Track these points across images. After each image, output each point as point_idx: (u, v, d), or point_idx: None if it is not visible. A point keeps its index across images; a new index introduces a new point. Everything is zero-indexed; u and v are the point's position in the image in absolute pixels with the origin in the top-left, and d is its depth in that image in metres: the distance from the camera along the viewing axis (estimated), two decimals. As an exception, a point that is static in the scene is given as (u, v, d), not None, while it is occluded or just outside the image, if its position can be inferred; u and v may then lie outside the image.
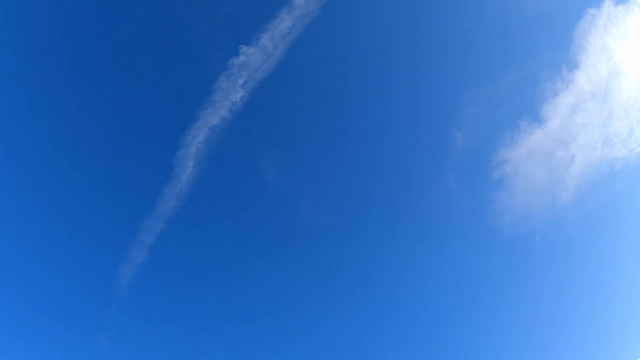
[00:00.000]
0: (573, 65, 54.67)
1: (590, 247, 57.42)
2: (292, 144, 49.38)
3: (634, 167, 56.85)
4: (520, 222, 56.82)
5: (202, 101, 46.93)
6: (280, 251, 49.86)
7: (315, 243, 50.61)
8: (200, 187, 46.51)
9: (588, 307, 57.02)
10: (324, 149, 49.68)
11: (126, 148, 47.11)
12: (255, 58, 49.14)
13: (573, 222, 56.21)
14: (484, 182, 55.18)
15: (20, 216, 46.68)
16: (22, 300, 47.43)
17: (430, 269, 53.80)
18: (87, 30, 45.50)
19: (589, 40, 54.79)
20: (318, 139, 49.93)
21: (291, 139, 49.40)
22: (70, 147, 46.51)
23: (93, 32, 45.24)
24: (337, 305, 52.47)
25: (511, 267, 57.47)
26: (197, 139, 46.32)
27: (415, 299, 53.23)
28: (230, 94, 47.68)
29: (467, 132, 54.54)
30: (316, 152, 49.88)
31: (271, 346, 50.15)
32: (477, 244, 55.20)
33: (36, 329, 48.69)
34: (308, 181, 50.10)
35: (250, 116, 47.53)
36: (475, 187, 54.74)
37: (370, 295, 52.41)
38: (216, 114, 47.06)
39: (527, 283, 58.00)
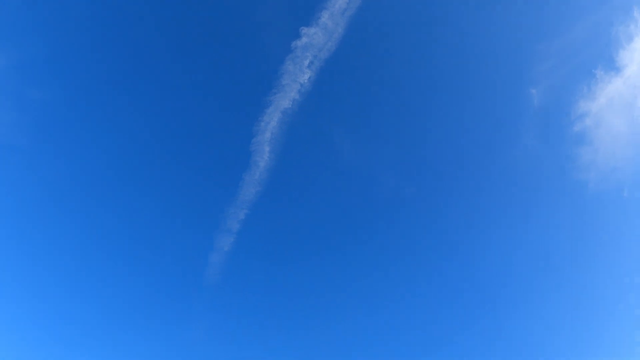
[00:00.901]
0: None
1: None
2: (365, 118, 49.07)
3: None
4: (607, 177, 53.73)
5: (271, 86, 47.41)
6: (363, 226, 49.86)
7: (398, 215, 50.22)
8: (279, 170, 47.23)
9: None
10: (398, 119, 49.01)
11: (205, 141, 48.71)
12: (317, 37, 48.92)
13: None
14: (565, 138, 52.52)
15: (115, 212, 49.42)
16: (122, 292, 50.30)
17: (519, 233, 52.07)
18: (160, 29, 47.11)
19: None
20: (391, 110, 49.30)
21: (364, 114, 49.10)
22: (156, 145, 48.63)
23: (166, 31, 46.79)
24: (425, 275, 51.95)
25: (600, 224, 54.54)
26: (270, 124, 46.91)
27: (507, 262, 51.74)
28: (297, 76, 47.80)
29: (542, 88, 52.03)
30: (391, 123, 49.32)
31: (361, 322, 50.46)
32: (564, 203, 52.74)
33: (135, 318, 51.38)
34: (385, 154, 49.73)
35: (319, 96, 47.61)
36: (556, 144, 52.23)
37: (458, 260, 51.50)
38: (286, 97, 47.36)
39: (618, 239, 54.87)
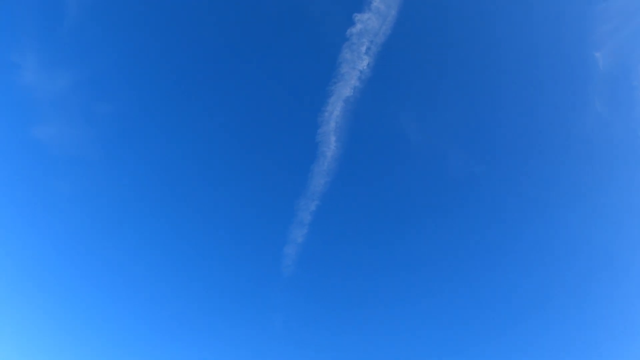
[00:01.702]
0: None
1: None
2: (429, 98, 48.50)
3: None
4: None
5: (331, 76, 47.46)
6: (436, 208, 49.51)
7: (468, 193, 49.61)
8: (346, 159, 47.42)
9: None
10: (463, 96, 48.17)
11: (272, 135, 49.46)
12: (372, 22, 48.56)
13: None
14: (635, 102, 50.29)
15: (190, 210, 51.04)
16: (200, 287, 52.04)
17: (586, 201, 50.40)
18: (221, 29, 47.97)
19: None
20: (454, 88, 48.52)
21: (427, 94, 48.54)
22: (226, 143, 49.87)
23: (227, 31, 47.59)
24: (495, 256, 51.26)
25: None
26: (334, 114, 47.07)
27: (571, 232, 50.38)
28: (356, 63, 47.69)
29: (607, 50, 49.92)
30: (456, 102, 48.56)
31: (441, 309, 50.38)
32: (637, 169, 50.63)
33: (212, 313, 53.00)
34: (452, 132, 49.05)
35: (380, 81, 47.40)
36: (626, 108, 50.08)
37: (530, 240, 50.48)
38: (347, 85, 47.34)
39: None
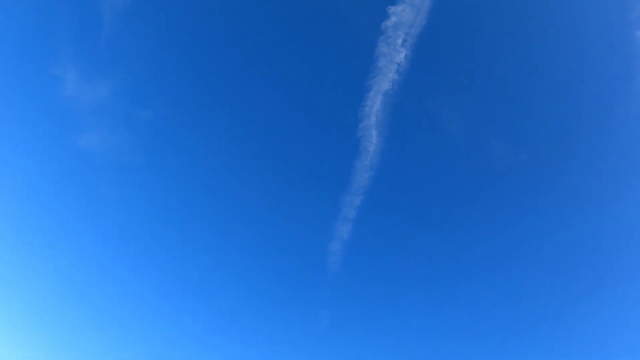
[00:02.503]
0: None
1: None
2: (468, 88, 48.00)
3: None
4: None
5: (369, 70, 47.34)
6: (480, 199, 49.00)
7: (511, 182, 48.89)
8: (389, 153, 47.27)
9: None
10: (503, 83, 47.45)
11: (314, 132, 49.62)
12: (407, 14, 48.24)
13: None
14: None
15: (239, 208, 51.67)
16: (248, 284, 52.60)
17: (629, 198, 49.14)
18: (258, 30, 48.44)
19: None
20: (493, 75, 47.85)
21: (466, 84, 48.02)
22: (270, 142, 50.35)
23: (264, 31, 48.02)
24: (539, 246, 50.45)
25: None
26: (374, 108, 46.93)
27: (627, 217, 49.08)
28: (393, 56, 47.45)
29: (650, 28, 48.54)
30: (495, 89, 47.91)
31: (488, 301, 49.87)
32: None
33: (259, 310, 53.43)
34: (494, 121, 48.43)
35: (418, 72, 47.09)
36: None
37: (578, 229, 49.50)
38: (385, 79, 47.15)
39: None
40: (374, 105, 47.01)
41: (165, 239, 53.89)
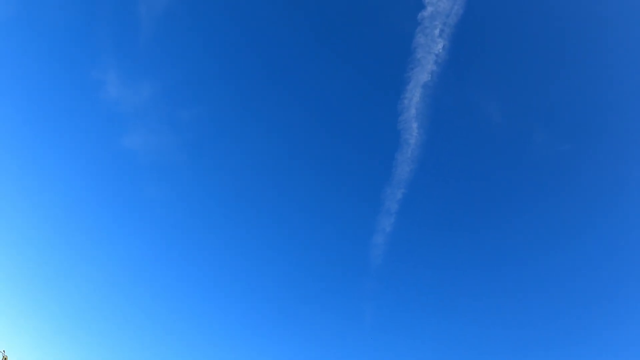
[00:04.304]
0: None
1: None
2: (508, 77, 47.41)
3: None
4: None
5: (407, 62, 47.15)
6: (523, 188, 48.47)
7: (553, 171, 48.23)
8: (429, 145, 47.10)
9: None
10: (542, 71, 46.71)
11: (355, 126, 49.88)
12: (443, 4, 47.69)
13: None
14: None
15: (283, 204, 52.41)
16: (293, 278, 53.28)
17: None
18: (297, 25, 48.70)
19: None
20: (533, 63, 47.14)
21: (506, 73, 47.45)
22: (312, 138, 50.76)
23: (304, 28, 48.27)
24: (583, 234, 49.65)
25: None
26: (414, 100, 46.75)
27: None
28: (431, 48, 47.10)
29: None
30: (535, 78, 47.19)
31: (531, 295, 49.40)
32: None
33: (304, 303, 53.94)
34: (534, 111, 47.77)
35: (457, 63, 46.77)
36: None
37: (622, 217, 48.46)
38: (424, 70, 46.87)
39: None
40: (414, 98, 46.87)
41: (209, 237, 54.96)
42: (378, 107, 49.18)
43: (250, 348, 52.99)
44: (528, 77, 47.84)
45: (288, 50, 49.67)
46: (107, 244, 54.55)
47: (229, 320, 54.54)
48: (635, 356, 47.65)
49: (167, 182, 53.84)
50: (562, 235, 50.56)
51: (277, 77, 50.41)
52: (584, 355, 48.17)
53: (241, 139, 52.04)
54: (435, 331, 51.05)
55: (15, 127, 52.70)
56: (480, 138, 48.55)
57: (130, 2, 51.18)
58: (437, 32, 47.44)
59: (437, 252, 50.44)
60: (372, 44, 49.02)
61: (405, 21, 47.89)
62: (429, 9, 47.75)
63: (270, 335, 53.97)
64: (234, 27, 50.19)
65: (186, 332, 55.63)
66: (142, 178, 53.40)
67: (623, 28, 48.17)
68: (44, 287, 52.42)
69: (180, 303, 56.08)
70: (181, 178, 53.66)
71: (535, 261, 49.60)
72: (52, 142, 52.96)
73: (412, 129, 46.96)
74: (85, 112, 52.65)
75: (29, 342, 48.93)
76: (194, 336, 55.52)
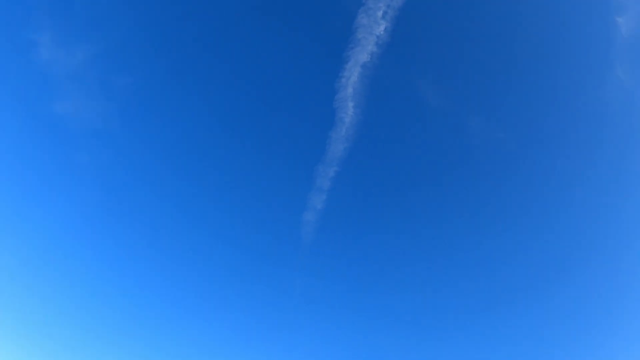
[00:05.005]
0: None
1: None
2: (446, 63, 47.92)
3: None
4: None
5: (348, 41, 46.96)
6: (455, 174, 49.15)
7: (487, 159, 49.17)
8: (364, 125, 47.01)
9: None
10: (480, 60, 47.50)
11: (290, 102, 49.13)
12: (388, -13, 48.01)
13: None
14: (658, 69, 49.22)
15: (214, 177, 51.18)
16: (219, 253, 52.20)
17: (609, 170, 49.74)
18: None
19: None
20: (471, 51, 47.86)
21: (445, 59, 47.90)
22: (244, 111, 49.81)
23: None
24: (511, 220, 50.89)
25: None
26: (351, 79, 46.61)
27: (596, 201, 49.78)
28: (373, 29, 47.09)
29: (630, 15, 48.93)
30: (473, 66, 47.92)
31: (456, 265, 50.29)
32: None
33: (232, 278, 52.91)
34: (471, 98, 48.45)
35: (397, 45, 46.79)
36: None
37: (551, 206, 49.97)
38: (364, 51, 46.82)
39: None
40: (352, 77, 46.75)
41: (140, 207, 53.23)
42: (315, 85, 48.91)
43: (183, 322, 51.78)
44: (466, 64, 48.65)
45: (227, 19, 48.70)
46: (30, 211, 52.10)
47: (164, 299, 52.83)
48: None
49: (98, 150, 51.91)
50: (491, 223, 51.60)
51: (212, 47, 49.41)
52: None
53: (175, 109, 50.66)
54: (363, 305, 51.34)
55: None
56: (415, 121, 49.09)
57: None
58: (380, 13, 47.56)
59: (367, 229, 50.68)
60: (313, 21, 48.69)
61: (350, 1, 47.79)
62: (375, -10, 47.90)
63: (202, 309, 52.90)
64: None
65: (117, 305, 53.58)
66: (73, 145, 51.28)
67: (560, 22, 49.66)
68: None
69: (103, 274, 53.96)
70: (113, 146, 51.86)
71: (466, 242, 50.60)
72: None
73: (348, 108, 46.94)
74: (15, 74, 50.13)
75: None
76: (128, 313, 53.48)
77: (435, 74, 48.34)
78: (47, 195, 53.59)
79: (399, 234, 49.97)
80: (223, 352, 50.92)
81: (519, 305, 49.42)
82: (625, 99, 49.12)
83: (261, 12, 48.20)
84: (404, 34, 46.99)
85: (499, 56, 48.37)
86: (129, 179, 53.37)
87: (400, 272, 50.36)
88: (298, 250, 49.21)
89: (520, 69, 48.35)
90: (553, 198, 49.62)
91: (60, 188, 53.80)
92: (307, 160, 48.25)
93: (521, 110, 48.56)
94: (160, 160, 51.70)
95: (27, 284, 51.08)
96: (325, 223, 48.83)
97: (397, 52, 47.02)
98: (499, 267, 50.19)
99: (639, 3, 49.27)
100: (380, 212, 50.06)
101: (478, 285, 49.70)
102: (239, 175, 50.90)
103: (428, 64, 48.43)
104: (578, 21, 48.77)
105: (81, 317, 50.97)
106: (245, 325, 52.04)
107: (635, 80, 49.28)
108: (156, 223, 51.91)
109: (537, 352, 47.82)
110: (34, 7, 50.56)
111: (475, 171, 49.17)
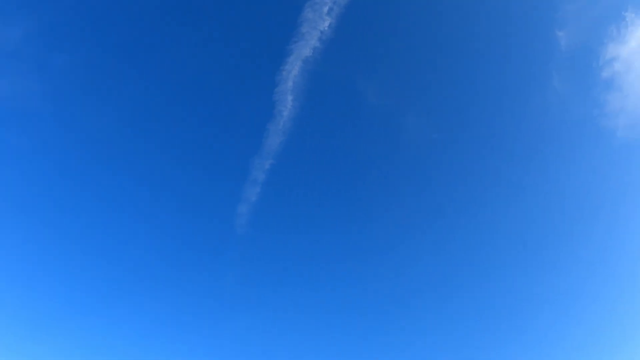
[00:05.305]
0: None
1: None
2: (387, 63, 48.43)
3: None
4: (635, 123, 52.29)
5: (291, 35, 46.94)
6: (389, 171, 50.11)
7: (422, 158, 50.31)
8: (302, 119, 47.29)
9: None
10: (421, 62, 48.24)
11: (228, 92, 48.87)
12: (336, -17, 48.00)
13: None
14: (593, 83, 50.95)
15: (148, 165, 50.52)
16: (153, 245, 51.82)
17: (543, 178, 51.53)
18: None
19: None
20: (413, 53, 48.50)
21: (386, 58, 48.39)
22: (180, 99, 49.15)
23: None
24: (445, 218, 52.24)
25: (628, 173, 53.41)
26: (292, 73, 46.68)
27: (527, 207, 51.57)
28: (317, 24, 47.16)
29: (570, 30, 50.33)
30: (414, 67, 48.62)
31: (388, 262, 51.32)
32: (590, 149, 51.75)
33: (165, 270, 52.70)
34: (410, 98, 49.26)
35: (340, 42, 47.08)
36: (584, 88, 50.79)
37: (480, 207, 51.43)
38: (307, 45, 46.89)
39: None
40: (292, 71, 46.82)
41: (69, 191, 52.16)
42: (256, 76, 48.81)
43: (114, 317, 51.14)
44: (406, 65, 49.39)
45: (169, 4, 47.89)
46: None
47: (90, 296, 51.94)
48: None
49: (32, 131, 50.32)
50: (423, 213, 52.72)
51: (152, 32, 48.55)
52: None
53: (115, 92, 49.55)
54: (293, 298, 51.99)
55: None
56: (352, 117, 49.80)
57: None
58: (326, 9, 47.63)
59: (301, 222, 51.31)
60: (258, 13, 48.40)
61: (297, -6, 47.56)
62: (322, -15, 47.85)
63: (130, 300, 52.44)
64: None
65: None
66: (5, 125, 49.61)
67: (503, 32, 50.72)
68: None
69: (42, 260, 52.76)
70: (46, 128, 50.36)
71: (389, 242, 51.70)
72: None
73: (287, 102, 47.01)
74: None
75: None
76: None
77: (374, 72, 49.12)
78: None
79: (330, 228, 50.81)
80: (152, 348, 50.50)
81: (438, 303, 51.04)
82: (560, 108, 50.96)
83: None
84: (347, 31, 47.34)
85: (439, 60, 49.38)
86: (58, 165, 52.02)
87: (331, 265, 51.24)
88: (231, 242, 49.35)
89: (459, 74, 49.58)
90: (480, 199, 51.23)
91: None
92: (243, 152, 48.31)
93: (458, 113, 49.84)
94: (92, 147, 50.61)
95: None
96: (259, 216, 49.08)
97: (340, 48, 47.37)
98: (423, 265, 51.56)
99: (579, 18, 50.87)
100: (314, 206, 50.76)
101: (401, 282, 51.01)
102: (173, 166, 50.54)
103: (368, 62, 49.08)
104: (520, 32, 50.01)
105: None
106: (177, 319, 52.03)
107: (570, 90, 51.23)
108: (84, 214, 51.05)
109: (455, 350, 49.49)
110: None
111: (407, 170, 50.48)
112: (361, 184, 50.45)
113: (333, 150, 49.57)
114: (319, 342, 51.63)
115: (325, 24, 47.24)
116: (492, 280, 51.15)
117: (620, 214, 53.55)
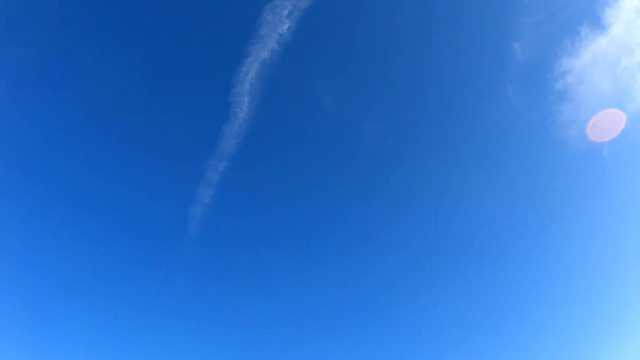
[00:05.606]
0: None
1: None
2: (346, 68, 48.73)
3: None
4: (587, 135, 54.15)
5: (250, 37, 46.58)
6: (345, 176, 50.55)
7: (378, 164, 50.94)
8: (258, 122, 47.09)
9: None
10: (380, 68, 48.71)
11: (183, 92, 48.17)
12: (297, -14, 47.85)
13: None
14: (547, 94, 52.48)
15: (98, 166, 49.27)
16: (102, 246, 50.67)
17: (495, 186, 52.90)
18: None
19: None
20: (373, 59, 48.89)
21: (345, 63, 48.74)
22: (134, 97, 48.02)
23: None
24: (398, 224, 52.98)
25: (579, 182, 55.34)
26: (249, 75, 46.35)
27: (479, 214, 52.80)
28: (276, 26, 46.92)
29: (526, 42, 51.58)
30: (372, 73, 49.10)
31: (341, 265, 51.86)
32: (542, 158, 53.38)
33: (116, 271, 51.74)
34: (366, 103, 49.74)
35: (299, 46, 47.08)
36: (537, 99, 52.29)
37: (433, 215, 52.38)
38: (265, 48, 46.63)
39: (595, 198, 55.79)
40: (250, 72, 46.49)
41: (24, 190, 50.47)
42: (212, 77, 48.34)
43: (59, 316, 49.75)
44: (364, 71, 49.86)
45: (120, 5, 46.80)
46: None
47: (38, 294, 50.43)
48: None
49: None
50: (379, 220, 53.39)
51: (111, 27, 47.34)
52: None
53: (68, 88, 48.09)
54: (245, 300, 51.88)
55: None
56: (309, 121, 50.08)
57: None
58: (286, 12, 47.44)
59: (254, 225, 51.21)
60: (216, 13, 47.86)
61: (257, -4, 47.21)
62: (283, -12, 47.60)
63: (79, 302, 51.20)
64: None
65: None
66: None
67: (461, 42, 51.61)
68: None
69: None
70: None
71: (346, 246, 52.20)
72: None
73: (243, 103, 46.70)
74: None
75: None
76: None
77: (332, 77, 49.44)
78: None
79: (285, 231, 50.84)
80: (102, 352, 49.35)
81: (391, 307, 51.79)
82: (513, 117, 52.43)
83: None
84: (306, 34, 47.31)
85: (397, 66, 49.95)
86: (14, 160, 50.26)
87: (286, 270, 51.32)
88: (183, 244, 48.78)
89: (416, 81, 50.23)
90: (433, 204, 52.31)
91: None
92: (197, 153, 47.76)
93: (414, 119, 50.61)
94: (45, 145, 49.02)
95: None
96: (212, 218, 48.65)
97: (297, 52, 47.32)
98: (378, 272, 52.27)
99: (535, 31, 52.23)
100: (268, 209, 50.67)
101: (352, 286, 51.59)
102: (124, 166, 49.49)
103: (327, 66, 49.39)
104: (476, 43, 51.00)
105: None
106: (126, 323, 51.02)
107: (523, 101, 52.72)
108: (33, 214, 49.43)
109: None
110: None
111: (363, 174, 51.02)
112: (317, 188, 50.87)
113: (289, 153, 49.72)
114: (273, 345, 51.77)
115: (285, 26, 47.10)
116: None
117: (568, 221, 55.66)
